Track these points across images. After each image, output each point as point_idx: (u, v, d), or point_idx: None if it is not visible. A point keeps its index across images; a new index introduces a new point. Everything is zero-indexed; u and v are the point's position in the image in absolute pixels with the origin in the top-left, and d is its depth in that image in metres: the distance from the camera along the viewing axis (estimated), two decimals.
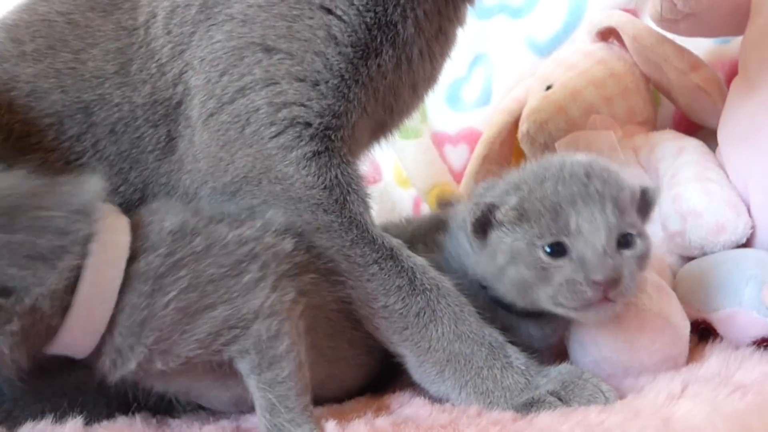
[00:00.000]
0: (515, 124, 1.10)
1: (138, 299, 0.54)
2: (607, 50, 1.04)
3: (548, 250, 0.61)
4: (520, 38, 1.19)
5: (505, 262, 0.64)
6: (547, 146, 1.02)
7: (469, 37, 1.22)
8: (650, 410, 0.54)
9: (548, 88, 1.03)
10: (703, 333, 0.73)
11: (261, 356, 0.55)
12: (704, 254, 0.80)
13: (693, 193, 0.81)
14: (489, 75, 1.23)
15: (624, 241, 0.61)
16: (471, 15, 1.18)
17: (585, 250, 0.59)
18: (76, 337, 0.54)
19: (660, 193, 0.67)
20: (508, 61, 1.20)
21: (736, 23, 0.93)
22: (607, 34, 1.06)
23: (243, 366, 0.56)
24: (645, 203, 0.66)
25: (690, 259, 0.82)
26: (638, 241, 0.61)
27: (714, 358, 0.67)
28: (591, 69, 1.01)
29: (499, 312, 0.69)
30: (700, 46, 1.03)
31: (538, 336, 0.70)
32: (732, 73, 0.92)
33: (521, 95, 1.11)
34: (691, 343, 0.69)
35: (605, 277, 0.57)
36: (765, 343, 0.69)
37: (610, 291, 0.58)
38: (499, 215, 0.64)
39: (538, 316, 0.68)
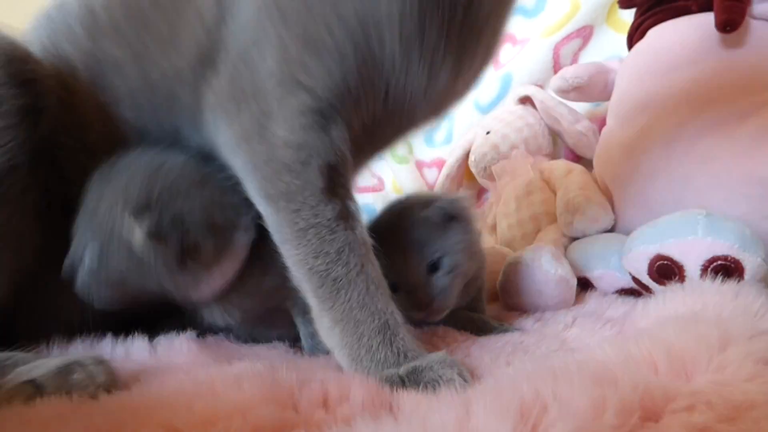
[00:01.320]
0: (467, 155, 1.09)
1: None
2: (524, 110, 1.03)
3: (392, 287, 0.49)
4: (470, 102, 1.18)
5: None
6: (486, 169, 1.01)
7: None
8: (552, 334, 0.54)
9: (488, 133, 1.03)
10: (584, 285, 0.72)
11: (305, 307, 0.50)
12: (585, 236, 0.79)
13: (578, 198, 0.81)
14: (451, 125, 1.23)
15: (432, 267, 0.53)
16: None
17: (407, 286, 0.52)
18: (218, 280, 0.49)
19: (460, 203, 0.56)
20: (463, 117, 1.19)
21: (605, 94, 0.92)
22: (525, 100, 1.05)
23: (295, 311, 0.53)
24: (451, 215, 0.55)
25: (576, 239, 0.80)
26: (444, 261, 0.53)
27: (592, 301, 0.66)
28: (514, 121, 1.01)
29: None
30: (582, 107, 1.03)
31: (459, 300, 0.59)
32: (602, 124, 0.91)
33: (471, 138, 1.10)
34: (577, 291, 0.68)
35: (421, 306, 0.52)
36: (623, 292, 0.68)
37: (429, 308, 0.52)
38: None
39: None
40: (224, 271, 0.49)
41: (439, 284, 0.53)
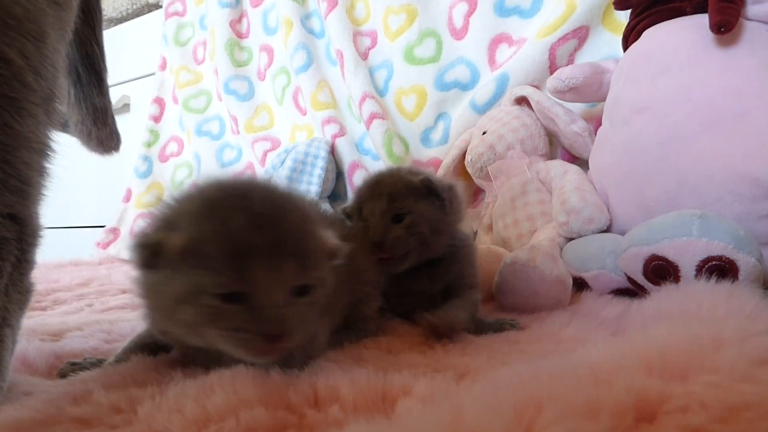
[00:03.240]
0: (463, 155, 1.09)
1: None
2: (520, 110, 1.03)
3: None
4: (466, 103, 1.17)
5: None
6: (482, 169, 1.01)
7: (436, 102, 1.23)
8: (549, 334, 0.53)
9: (484, 133, 1.02)
10: (580, 285, 0.72)
11: None
12: (580, 236, 0.79)
13: (573, 198, 0.81)
14: (447, 125, 1.22)
15: (396, 219, 0.59)
16: (437, 88, 1.21)
17: (371, 227, 0.58)
18: None
19: (448, 186, 0.61)
20: (459, 117, 1.19)
21: (600, 95, 0.92)
22: (521, 100, 1.05)
23: None
24: (433, 191, 0.60)
25: (571, 239, 0.80)
26: (406, 218, 0.59)
27: (587, 301, 0.66)
28: (510, 122, 1.00)
29: (401, 280, 0.63)
30: (578, 108, 1.03)
31: (429, 285, 0.64)
32: (598, 124, 0.91)
33: (467, 138, 1.10)
34: (572, 292, 0.68)
35: (374, 245, 0.58)
36: (618, 293, 0.68)
37: (380, 249, 0.58)
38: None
39: (423, 271, 0.63)
40: None
41: (394, 233, 0.58)
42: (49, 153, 0.40)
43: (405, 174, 0.62)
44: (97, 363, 0.44)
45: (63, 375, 0.43)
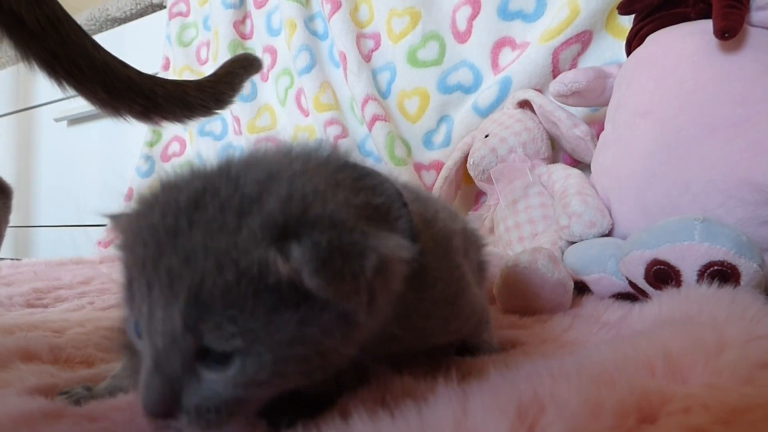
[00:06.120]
0: (465, 158, 1.09)
1: None
2: (523, 114, 1.03)
3: None
4: (469, 105, 1.18)
5: None
6: (484, 172, 1.01)
7: (439, 104, 1.23)
8: (551, 337, 0.53)
9: (486, 136, 1.03)
10: (581, 289, 0.72)
11: None
12: (582, 240, 0.79)
13: (575, 202, 0.81)
14: (450, 128, 1.23)
15: None
16: (439, 91, 1.22)
17: None
18: None
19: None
20: (462, 120, 1.19)
21: (603, 99, 0.93)
22: (523, 104, 1.05)
23: None
24: None
25: (573, 242, 0.80)
26: None
27: (588, 305, 0.66)
28: (513, 125, 1.01)
29: None
30: (580, 112, 1.03)
31: None
32: (600, 128, 0.92)
33: (469, 140, 1.10)
34: (573, 295, 0.68)
35: None
36: (620, 297, 0.68)
37: None
38: None
39: None
40: None
41: None
42: None
43: None
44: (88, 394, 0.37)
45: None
